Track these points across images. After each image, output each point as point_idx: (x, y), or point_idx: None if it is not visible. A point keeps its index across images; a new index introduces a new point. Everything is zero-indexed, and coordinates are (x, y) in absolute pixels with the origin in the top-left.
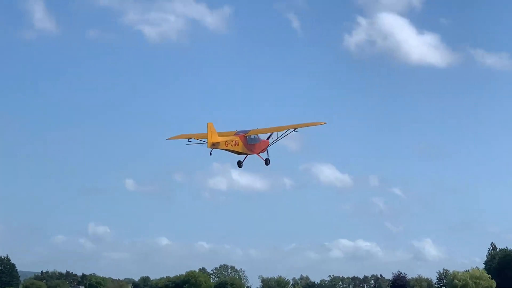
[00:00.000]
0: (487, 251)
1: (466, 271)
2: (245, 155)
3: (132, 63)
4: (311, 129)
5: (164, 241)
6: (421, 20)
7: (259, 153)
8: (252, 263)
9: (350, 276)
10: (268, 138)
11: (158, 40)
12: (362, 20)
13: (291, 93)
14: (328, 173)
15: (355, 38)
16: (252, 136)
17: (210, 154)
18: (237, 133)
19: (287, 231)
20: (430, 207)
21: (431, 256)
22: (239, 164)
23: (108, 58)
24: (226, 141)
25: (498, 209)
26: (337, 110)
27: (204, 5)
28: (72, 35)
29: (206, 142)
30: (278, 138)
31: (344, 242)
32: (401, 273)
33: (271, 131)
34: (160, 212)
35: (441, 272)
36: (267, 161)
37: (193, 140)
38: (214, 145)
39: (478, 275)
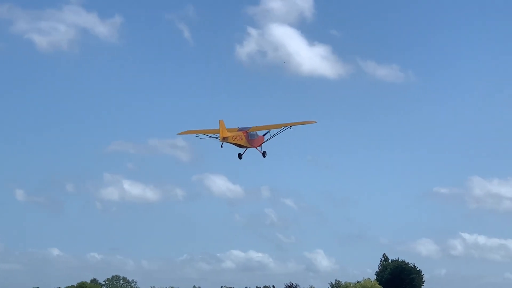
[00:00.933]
0: (379, 262)
1: (357, 282)
2: (245, 149)
3: (22, 72)
4: (203, 141)
5: (55, 251)
6: (312, 32)
7: (257, 147)
8: (144, 274)
9: (242, 287)
10: (264, 135)
11: (48, 49)
12: (253, 31)
13: (183, 102)
14: (220, 183)
15: (246, 49)
16: (252, 132)
17: (221, 146)
18: (239, 130)
19: (179, 242)
20: (321, 218)
21: (323, 267)
22: (240, 156)
23: None
24: (233, 136)
25: (389, 221)
26: (228, 121)
27: (95, 14)
28: None
29: (212, 137)
30: (274, 134)
31: (236, 253)
32: (293, 284)
33: (269, 128)
34: (51, 222)
35: (333, 283)
36: (264, 154)
37: (201, 135)
38: (225, 139)
39: (369, 286)
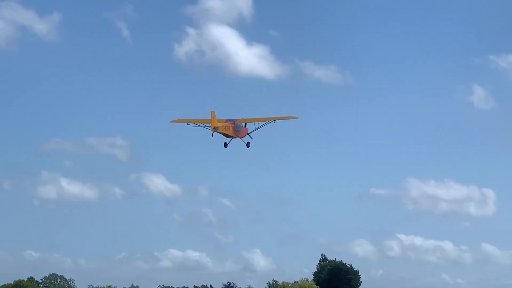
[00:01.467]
0: (318, 263)
1: (295, 282)
2: (231, 138)
3: None
4: (140, 139)
5: None
6: (250, 32)
7: (242, 137)
8: (82, 272)
9: (180, 286)
10: (245, 126)
11: None
12: (191, 31)
13: (121, 100)
14: (158, 182)
15: (184, 48)
16: (238, 124)
17: (212, 135)
18: (227, 121)
19: (117, 241)
20: (259, 218)
21: (260, 267)
22: (225, 145)
23: None
24: (223, 126)
25: (327, 221)
26: (166, 118)
27: (33, 11)
28: None
29: (201, 126)
30: (258, 127)
31: (174, 252)
32: (230, 283)
33: (255, 121)
34: None
35: (271, 283)
36: (248, 144)
37: (192, 124)
38: (215, 129)
39: (306, 286)
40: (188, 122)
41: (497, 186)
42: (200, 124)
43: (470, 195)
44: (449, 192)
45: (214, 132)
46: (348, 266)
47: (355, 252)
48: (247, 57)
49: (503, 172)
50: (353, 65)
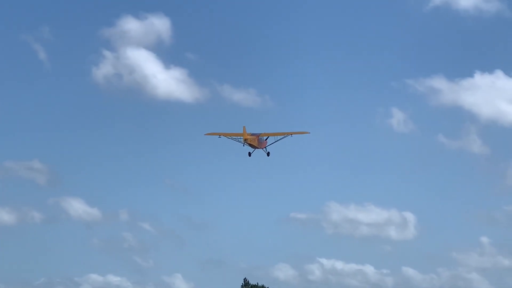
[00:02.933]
0: (240, 287)
1: None
2: (254, 149)
3: None
4: (59, 162)
5: None
6: (168, 55)
7: (263, 148)
8: None
9: None
10: (266, 139)
11: None
12: (108, 54)
13: (39, 123)
14: (77, 206)
15: (102, 71)
16: (261, 137)
17: (243, 145)
18: (252, 134)
19: (36, 266)
20: (180, 242)
21: None
22: (249, 154)
23: None
24: (251, 139)
25: (248, 246)
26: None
27: None
28: None
29: (233, 139)
30: (276, 140)
31: (94, 277)
32: None
33: (274, 135)
34: None
35: None
36: (268, 154)
37: (223, 137)
38: (246, 140)
39: None
40: (220, 135)
41: (417, 210)
42: (233, 137)
43: (391, 218)
44: (369, 215)
45: (245, 143)
46: None
47: (276, 276)
48: (165, 80)
49: (423, 196)
50: (273, 88)
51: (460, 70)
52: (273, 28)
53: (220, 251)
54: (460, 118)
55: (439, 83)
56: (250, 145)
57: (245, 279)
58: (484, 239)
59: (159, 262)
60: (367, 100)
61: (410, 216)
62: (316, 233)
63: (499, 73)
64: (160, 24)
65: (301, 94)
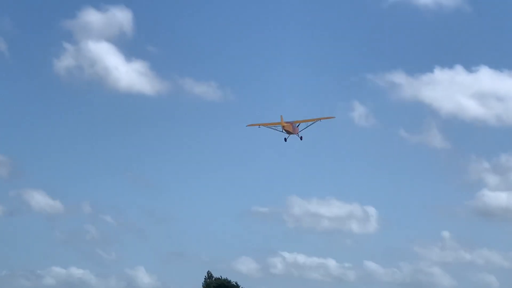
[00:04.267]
0: (203, 280)
1: None
2: (289, 135)
3: None
4: (20, 154)
5: None
6: (130, 48)
7: (296, 133)
8: None
9: None
10: (297, 126)
11: None
12: (69, 46)
13: (1, 114)
14: (39, 199)
15: (63, 64)
16: (294, 125)
17: (282, 131)
18: (287, 122)
19: None
20: (142, 235)
21: (144, 284)
22: (285, 139)
23: None
24: (288, 126)
25: (211, 239)
26: (47, 132)
27: None
28: None
29: (273, 128)
30: (307, 126)
31: (57, 269)
32: None
33: (304, 121)
34: None
35: None
36: (301, 138)
37: (262, 127)
38: (284, 127)
39: None
40: (260, 125)
41: (379, 204)
42: (272, 127)
43: (353, 212)
44: (331, 209)
45: (283, 130)
46: (234, 283)
47: (239, 269)
48: (126, 73)
49: (385, 190)
50: (233, 81)
51: (420, 65)
52: (234, 22)
53: (182, 244)
54: (420, 112)
55: (399, 78)
56: (287, 131)
57: (208, 272)
58: (446, 234)
59: (122, 254)
60: (328, 94)
61: (372, 210)
62: (278, 226)
63: (459, 68)
64: (122, 17)
65: (262, 88)
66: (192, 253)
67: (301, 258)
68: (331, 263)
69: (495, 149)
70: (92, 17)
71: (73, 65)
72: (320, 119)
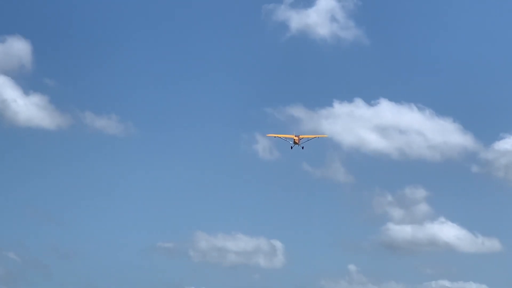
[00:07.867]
0: None
1: None
2: (295, 145)
3: None
4: None
5: None
6: (28, 81)
7: (300, 144)
8: None
9: None
10: (300, 139)
11: None
12: None
13: None
14: None
15: None
16: (300, 138)
17: (292, 143)
18: (295, 135)
19: None
20: (47, 272)
21: None
22: (291, 148)
23: None
24: (297, 139)
25: (116, 274)
26: None
27: None
28: None
29: (285, 140)
30: (308, 140)
31: None
32: None
33: (308, 137)
34: None
35: None
36: (303, 147)
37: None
38: (294, 141)
39: None
40: (275, 136)
41: (285, 238)
42: (285, 138)
43: (259, 246)
44: (237, 244)
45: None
46: None
47: None
48: (25, 106)
49: (290, 224)
50: (134, 115)
51: (319, 99)
52: (131, 52)
53: (87, 279)
54: (322, 146)
55: (298, 111)
56: (294, 142)
57: None
58: (352, 267)
59: None
60: (230, 128)
61: (278, 244)
62: (183, 261)
63: (358, 102)
64: (20, 49)
65: (164, 120)
66: None
67: None
68: None
69: (398, 182)
70: None
71: None
72: (318, 136)
